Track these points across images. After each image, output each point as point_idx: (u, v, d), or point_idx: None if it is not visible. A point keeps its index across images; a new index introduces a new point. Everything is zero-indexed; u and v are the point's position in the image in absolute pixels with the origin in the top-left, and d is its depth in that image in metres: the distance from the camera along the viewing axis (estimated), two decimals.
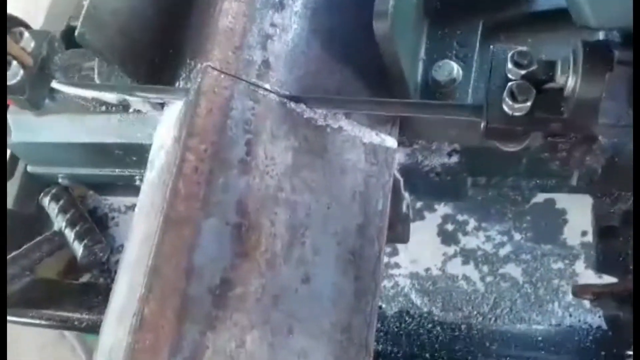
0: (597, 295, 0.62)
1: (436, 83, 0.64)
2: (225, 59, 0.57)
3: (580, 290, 0.65)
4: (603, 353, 0.72)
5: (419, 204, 0.90)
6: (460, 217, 0.88)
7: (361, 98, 0.61)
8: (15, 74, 0.61)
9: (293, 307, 0.53)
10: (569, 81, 0.47)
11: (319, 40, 0.62)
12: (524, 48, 0.51)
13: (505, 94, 0.49)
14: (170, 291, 0.49)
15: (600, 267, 0.68)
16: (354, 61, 0.64)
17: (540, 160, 0.65)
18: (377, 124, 0.64)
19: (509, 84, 0.49)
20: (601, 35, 0.51)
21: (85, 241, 1.00)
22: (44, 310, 1.00)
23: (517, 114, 0.50)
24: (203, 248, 0.51)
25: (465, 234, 0.87)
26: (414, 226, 0.88)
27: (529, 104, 0.49)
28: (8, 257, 0.98)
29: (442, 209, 0.89)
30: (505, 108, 0.50)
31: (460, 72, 0.64)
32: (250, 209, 0.54)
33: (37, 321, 1.02)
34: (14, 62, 0.60)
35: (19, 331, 1.91)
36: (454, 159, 0.67)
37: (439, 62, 0.65)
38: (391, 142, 0.64)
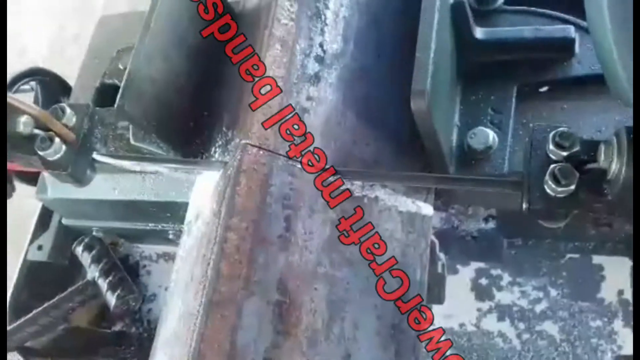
0: None
1: (472, 150, 0.64)
2: (263, 135, 0.58)
3: None
4: None
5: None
6: (494, 272, 0.87)
7: (398, 173, 0.61)
8: (57, 151, 0.62)
9: None
10: (613, 165, 0.47)
11: (354, 111, 0.63)
12: (565, 128, 0.50)
13: (547, 176, 0.49)
14: None
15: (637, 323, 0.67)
16: (389, 130, 0.64)
17: (579, 226, 0.65)
18: (413, 193, 0.64)
19: (552, 166, 0.49)
20: None
21: (118, 291, 1.01)
22: (79, 359, 1.01)
23: (559, 195, 0.49)
24: (245, 329, 0.51)
25: (500, 289, 0.86)
26: (447, 280, 0.88)
27: (572, 187, 0.48)
28: (41, 308, 1.00)
29: (475, 262, 0.89)
30: (548, 190, 0.50)
31: (496, 139, 0.64)
32: (290, 286, 0.54)
33: None
34: (57, 138, 0.62)
35: None
36: (491, 224, 0.67)
37: (474, 130, 0.65)
38: (427, 209, 0.65)
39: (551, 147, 0.50)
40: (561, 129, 0.50)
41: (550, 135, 0.51)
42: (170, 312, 0.62)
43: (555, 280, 0.84)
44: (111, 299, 1.01)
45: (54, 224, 1.01)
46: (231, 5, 0.75)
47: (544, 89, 0.63)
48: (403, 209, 0.63)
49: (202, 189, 0.67)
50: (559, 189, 0.49)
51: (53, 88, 1.00)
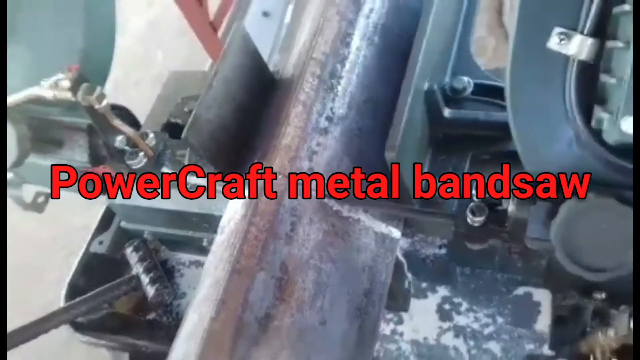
0: None
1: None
2: (283, 165, 0.84)
3: None
4: None
5: (423, 285, 1.12)
6: (456, 300, 1.09)
7: (374, 201, 0.86)
8: (140, 161, 0.89)
9: (312, 341, 0.76)
10: (510, 206, 0.71)
11: (349, 157, 0.89)
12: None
13: (467, 210, 0.73)
14: (231, 316, 0.73)
15: (553, 346, 0.88)
16: (373, 171, 0.89)
17: (508, 259, 0.88)
18: (387, 219, 0.88)
19: (471, 204, 0.73)
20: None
21: (156, 286, 1.25)
22: (117, 336, 1.25)
23: (475, 224, 0.73)
24: (255, 291, 0.75)
25: (459, 313, 1.08)
26: (419, 303, 1.10)
27: (482, 218, 0.73)
28: (94, 292, 1.24)
29: (442, 291, 1.11)
30: (468, 220, 0.74)
31: None
32: (289, 268, 0.78)
33: (111, 344, 1.27)
34: (141, 153, 0.89)
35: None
36: (443, 250, 0.90)
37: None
38: (396, 233, 0.89)
39: (473, 192, 0.75)
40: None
41: (474, 184, 0.75)
42: (200, 288, 0.86)
43: (503, 311, 1.05)
44: (150, 291, 1.24)
45: (114, 225, 1.28)
46: (272, 75, 1.03)
47: (486, 156, 0.88)
48: (377, 230, 0.87)
49: (235, 204, 0.92)
50: (475, 219, 0.73)
51: (127, 119, 1.28)
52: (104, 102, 0.82)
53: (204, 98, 0.92)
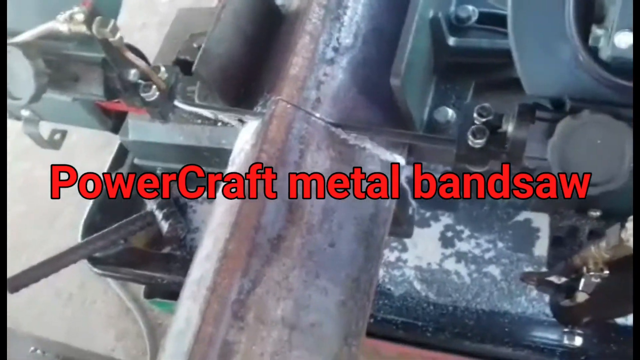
0: (538, 281, 0.86)
1: (437, 122, 0.92)
2: (291, 95, 0.87)
3: (526, 277, 0.89)
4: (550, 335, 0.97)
5: (427, 214, 1.16)
6: (458, 227, 1.14)
7: (380, 128, 0.89)
8: (153, 94, 0.92)
9: (321, 260, 0.81)
10: (509, 128, 0.74)
11: (356, 87, 0.91)
12: (487, 104, 0.77)
13: (469, 133, 0.76)
14: (244, 237, 0.78)
15: (550, 267, 0.92)
16: (381, 101, 0.91)
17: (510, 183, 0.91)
18: (392, 147, 0.91)
19: (472, 127, 0.76)
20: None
21: (170, 221, 1.30)
22: (133, 269, 1.31)
23: (476, 147, 0.76)
24: (267, 214, 0.80)
25: (461, 240, 1.13)
26: (422, 231, 1.15)
27: (484, 140, 0.75)
28: (110, 228, 1.29)
29: (445, 219, 1.15)
30: (469, 142, 0.77)
31: (454, 115, 0.91)
32: (298, 193, 0.82)
33: (128, 277, 1.33)
34: (154, 86, 0.92)
35: (89, 305, 2.24)
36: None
37: (439, 108, 0.92)
38: (401, 160, 0.92)
39: (475, 115, 0.77)
40: (483, 104, 0.78)
41: (476, 107, 0.78)
42: (214, 215, 0.90)
43: (503, 237, 1.10)
44: (164, 226, 1.30)
45: (128, 161, 1.32)
46: (279, 8, 1.05)
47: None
48: (382, 157, 0.91)
49: (245, 135, 0.95)
50: (476, 141, 0.76)
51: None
52: (118, 35, 0.84)
53: (213, 32, 0.93)
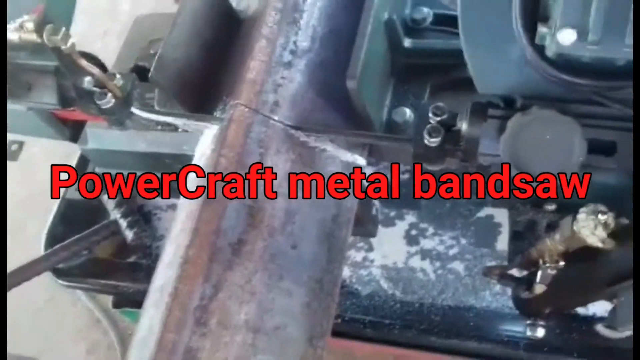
0: (500, 275, 0.88)
1: (395, 123, 0.93)
2: (249, 99, 0.87)
3: (488, 272, 0.91)
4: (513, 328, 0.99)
5: (392, 214, 1.17)
6: (422, 225, 1.15)
7: (339, 129, 0.90)
8: (109, 101, 0.91)
9: (284, 262, 0.81)
10: (463, 126, 0.75)
11: (314, 89, 0.92)
12: (441, 104, 0.79)
13: (425, 132, 0.77)
14: (205, 243, 0.77)
15: (510, 261, 0.94)
16: (338, 103, 0.92)
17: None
18: (352, 148, 0.92)
19: (427, 126, 0.77)
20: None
21: (135, 229, 1.28)
22: (99, 280, 1.29)
23: (432, 145, 0.78)
24: (227, 218, 0.79)
25: (425, 237, 1.14)
26: (387, 230, 1.16)
27: (439, 139, 0.77)
28: (73, 238, 1.27)
29: (410, 218, 1.16)
30: (425, 141, 0.78)
31: (412, 115, 0.93)
32: (259, 196, 0.82)
33: (93, 287, 1.31)
34: (109, 93, 0.91)
35: (58, 318, 2.20)
36: (406, 176, 0.95)
37: (397, 109, 0.93)
38: (361, 161, 0.93)
39: (430, 114, 0.79)
40: (438, 104, 0.79)
41: (431, 107, 0.79)
42: (176, 222, 0.89)
43: (466, 233, 1.11)
44: (129, 235, 1.28)
45: (89, 170, 1.30)
46: (237, 13, 1.04)
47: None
48: (343, 159, 0.91)
49: (205, 141, 0.95)
50: (431, 140, 0.77)
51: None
52: (70, 42, 0.83)
53: (170, 37, 0.93)
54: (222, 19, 1.01)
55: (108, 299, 2.00)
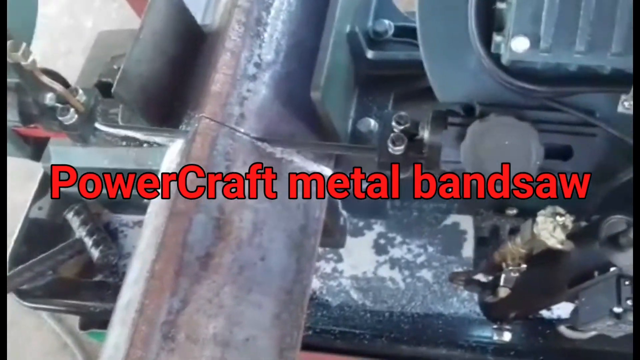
0: (466, 281, 0.89)
1: (360, 133, 0.94)
2: (214, 112, 0.87)
3: (453, 278, 0.92)
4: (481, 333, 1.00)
5: (360, 224, 1.18)
6: (390, 234, 1.16)
7: (305, 141, 0.90)
8: (71, 117, 0.90)
9: (253, 275, 0.81)
10: (425, 134, 0.77)
11: (279, 101, 0.92)
12: (403, 113, 0.80)
13: (388, 141, 0.79)
14: (171, 257, 0.76)
15: (475, 265, 0.96)
16: (304, 114, 0.93)
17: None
18: (318, 159, 0.93)
19: (391, 134, 0.79)
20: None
21: (101, 247, 1.26)
22: (64, 300, 1.26)
23: (396, 153, 0.79)
24: (193, 232, 0.79)
25: (393, 246, 1.15)
26: (356, 240, 1.17)
27: (402, 147, 0.78)
28: (37, 258, 1.24)
29: (378, 227, 1.17)
30: (390, 150, 0.79)
31: (376, 125, 0.94)
32: (226, 209, 0.82)
33: (59, 308, 1.28)
34: (72, 109, 0.90)
35: (23, 342, 2.14)
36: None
37: (362, 119, 0.95)
38: (328, 172, 0.94)
39: (393, 124, 0.80)
40: (401, 113, 0.80)
41: (394, 116, 0.81)
42: (142, 238, 0.88)
43: (433, 241, 1.13)
44: (95, 253, 1.26)
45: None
46: (201, 28, 1.05)
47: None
48: (310, 170, 0.92)
49: (171, 155, 0.95)
50: (395, 149, 0.79)
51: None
52: (31, 59, 0.82)
53: (132, 52, 0.92)
54: (186, 34, 1.01)
55: (75, 321, 1.95)
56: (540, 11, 0.60)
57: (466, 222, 1.13)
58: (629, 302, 0.62)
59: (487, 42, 0.68)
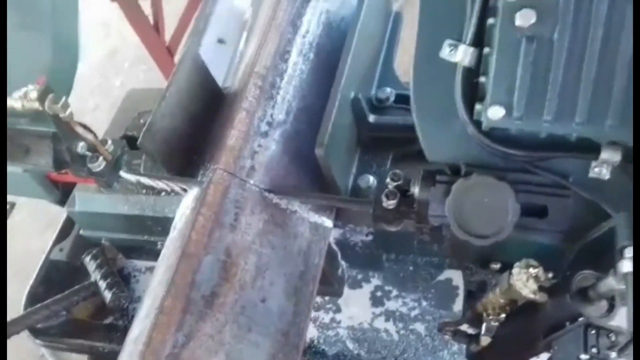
0: (454, 332, 0.95)
1: (359, 188, 1.03)
2: (228, 164, 0.96)
3: (442, 327, 0.97)
4: None
5: (359, 276, 1.24)
6: (387, 287, 1.22)
7: (308, 193, 0.99)
8: (99, 165, 1.00)
9: (253, 315, 0.87)
10: (415, 190, 0.85)
11: (288, 156, 1.02)
12: (398, 170, 0.89)
13: (383, 195, 0.87)
14: (180, 294, 0.84)
15: (469, 320, 1.01)
16: (309, 170, 1.02)
17: (423, 242, 1.01)
18: (320, 210, 1.01)
19: (385, 190, 0.87)
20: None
21: (114, 290, 1.33)
22: (75, 340, 1.32)
23: (390, 207, 0.87)
24: (202, 272, 0.86)
25: (389, 299, 1.20)
26: (354, 292, 1.23)
27: (395, 201, 0.86)
28: (53, 298, 1.30)
29: (375, 281, 1.23)
30: (383, 204, 0.87)
31: (375, 181, 1.03)
32: (233, 253, 0.90)
33: (70, 347, 1.34)
34: (100, 157, 1.00)
35: None
36: (369, 237, 1.04)
37: (362, 176, 1.04)
38: (328, 223, 1.01)
39: (388, 180, 0.88)
40: (395, 170, 0.89)
41: (389, 173, 0.89)
42: (155, 276, 0.96)
43: (427, 295, 1.18)
44: (107, 295, 1.32)
45: (74, 232, 1.36)
46: (221, 90, 1.16)
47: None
48: (311, 220, 1.00)
49: (186, 202, 1.03)
50: (389, 202, 0.87)
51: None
52: (68, 111, 0.93)
53: (158, 108, 1.03)
54: (207, 94, 1.12)
55: None
56: (514, 84, 0.69)
57: (458, 278, 1.18)
58: (594, 350, 0.67)
59: (471, 110, 0.78)
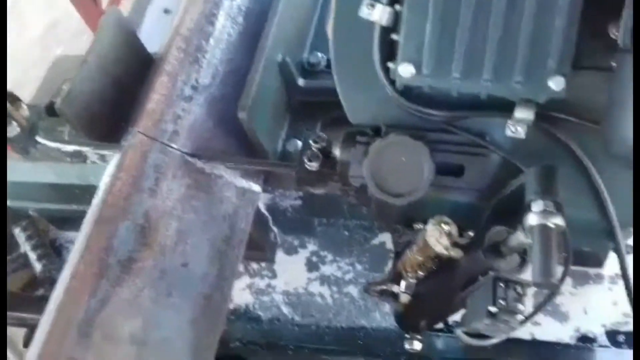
0: (380, 292, 0.95)
1: (288, 152, 1.02)
2: (147, 128, 0.93)
3: (368, 288, 0.98)
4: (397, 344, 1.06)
5: (295, 242, 1.24)
6: (322, 252, 1.22)
7: (233, 157, 0.97)
8: (14, 130, 0.96)
9: (174, 280, 0.86)
10: (337, 151, 0.84)
11: (212, 121, 0.99)
12: (321, 133, 0.88)
13: (305, 157, 0.86)
14: (94, 259, 0.81)
15: (392, 279, 1.02)
16: (235, 135, 1.00)
17: (354, 206, 1.01)
18: (247, 175, 0.99)
19: (307, 151, 0.86)
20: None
21: (44, 261, 1.30)
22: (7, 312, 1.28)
23: (312, 169, 0.86)
24: (118, 237, 0.84)
25: (324, 264, 1.21)
26: (290, 258, 1.23)
27: (317, 164, 0.85)
28: None
29: (311, 246, 1.23)
30: (306, 166, 0.86)
31: (302, 145, 1.01)
32: (152, 217, 0.88)
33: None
34: (14, 122, 0.96)
35: None
36: (298, 201, 1.03)
37: (290, 140, 1.02)
38: (256, 187, 1.00)
39: (311, 142, 0.87)
40: (319, 133, 0.88)
41: (312, 136, 0.88)
42: (76, 243, 0.93)
43: (361, 259, 1.19)
44: (37, 267, 1.29)
45: None
46: (149, 54, 1.12)
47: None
48: (238, 185, 0.98)
49: (109, 169, 1.00)
50: (311, 164, 0.86)
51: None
52: None
53: (79, 72, 0.99)
54: (134, 58, 1.08)
55: (17, 337, 1.95)
56: (423, 41, 0.69)
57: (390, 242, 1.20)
58: (503, 302, 0.69)
59: (388, 70, 0.77)
